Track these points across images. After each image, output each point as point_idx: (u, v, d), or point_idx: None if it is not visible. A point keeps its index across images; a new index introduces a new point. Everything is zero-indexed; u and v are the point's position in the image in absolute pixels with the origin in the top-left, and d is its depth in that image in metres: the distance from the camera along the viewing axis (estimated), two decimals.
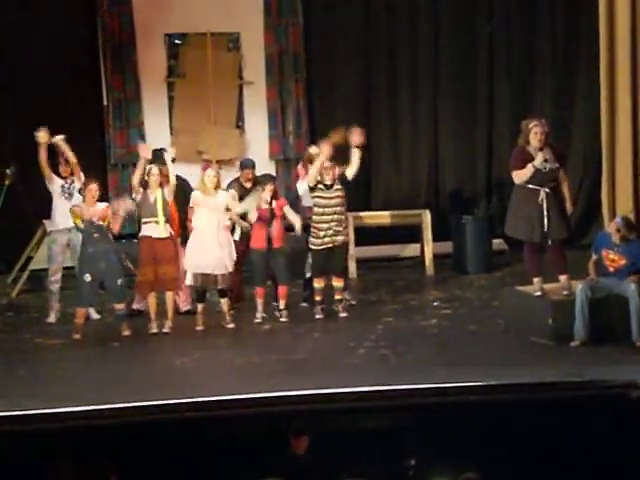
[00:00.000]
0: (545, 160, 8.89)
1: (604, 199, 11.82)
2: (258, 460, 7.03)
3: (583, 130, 12.81)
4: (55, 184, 9.96)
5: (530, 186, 8.94)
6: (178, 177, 10.17)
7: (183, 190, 9.97)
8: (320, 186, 9.68)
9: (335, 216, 9.69)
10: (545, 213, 8.87)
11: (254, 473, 6.82)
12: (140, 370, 8.51)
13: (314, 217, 9.72)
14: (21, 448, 7.05)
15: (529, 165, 8.89)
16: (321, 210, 9.68)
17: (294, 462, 7.09)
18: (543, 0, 12.94)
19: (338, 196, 9.71)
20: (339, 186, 9.72)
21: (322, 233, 9.67)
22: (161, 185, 9.53)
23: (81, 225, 9.24)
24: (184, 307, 10.08)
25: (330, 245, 9.69)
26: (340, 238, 9.74)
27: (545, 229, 8.89)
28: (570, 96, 12.92)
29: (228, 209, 9.54)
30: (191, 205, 9.58)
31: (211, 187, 9.47)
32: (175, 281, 9.52)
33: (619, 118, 11.63)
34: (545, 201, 8.88)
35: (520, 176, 9.01)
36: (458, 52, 12.90)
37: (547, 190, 8.89)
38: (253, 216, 9.59)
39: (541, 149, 8.89)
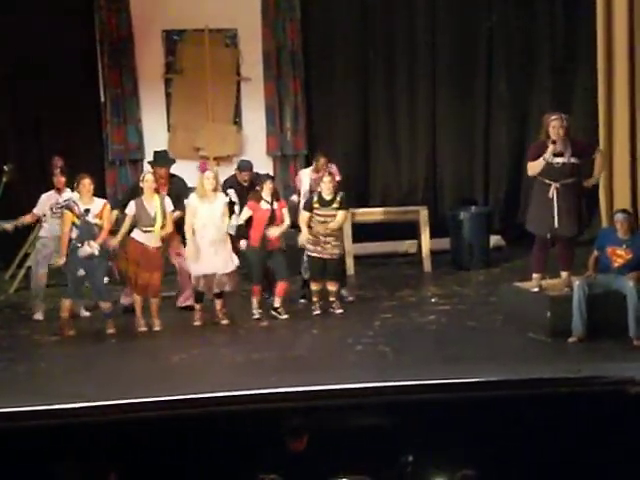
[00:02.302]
0: (557, 154, 8.84)
1: (602, 196, 11.83)
2: (256, 457, 7.03)
3: (581, 127, 12.79)
4: (46, 207, 9.92)
5: (543, 180, 8.92)
6: (177, 176, 10.19)
7: (178, 188, 9.96)
8: (316, 204, 9.69)
9: (330, 232, 9.69)
10: (556, 209, 8.85)
11: (252, 470, 6.82)
12: (138, 367, 8.51)
13: (311, 225, 9.73)
14: (19, 445, 7.04)
15: (541, 158, 8.87)
16: (316, 224, 9.69)
17: (292, 459, 7.10)
18: None
19: (335, 215, 9.71)
20: (337, 205, 9.71)
21: (317, 244, 9.70)
22: (157, 191, 9.50)
23: (78, 222, 9.21)
24: (183, 303, 10.08)
25: (325, 257, 9.71)
26: (335, 251, 9.76)
27: (555, 225, 8.87)
28: (568, 93, 12.91)
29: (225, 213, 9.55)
30: (187, 208, 9.57)
31: (210, 190, 9.45)
32: (154, 288, 9.46)
33: (616, 115, 11.65)
34: (555, 196, 8.85)
35: (532, 168, 8.98)
36: (457, 49, 12.90)
37: (558, 185, 8.85)
38: (244, 216, 9.65)
39: (554, 142, 8.84)
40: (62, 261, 9.23)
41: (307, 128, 12.83)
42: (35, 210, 10.00)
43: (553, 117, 8.93)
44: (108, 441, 7.16)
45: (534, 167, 8.95)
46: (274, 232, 9.61)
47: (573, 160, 8.89)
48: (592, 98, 12.08)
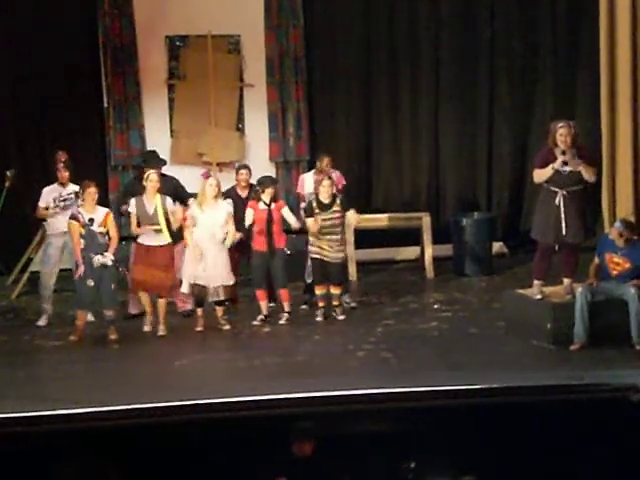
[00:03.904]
0: (564, 162, 8.80)
1: (604, 202, 11.81)
2: (258, 463, 7.03)
3: (583, 132, 12.76)
4: (49, 198, 9.92)
5: (549, 187, 8.90)
6: (168, 176, 10.19)
7: (170, 187, 9.96)
8: (316, 209, 9.69)
9: (330, 236, 9.70)
10: (562, 216, 8.82)
11: (254, 476, 6.82)
12: (140, 372, 8.51)
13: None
14: (21, 450, 7.04)
15: (549, 166, 8.83)
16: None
17: (294, 464, 7.09)
18: (544, 2, 12.93)
19: (336, 217, 9.72)
20: (337, 207, 9.72)
21: (318, 244, 9.70)
22: (159, 191, 9.51)
23: (83, 232, 9.21)
24: (183, 308, 10.07)
25: (326, 259, 9.71)
26: (334, 255, 9.73)
27: (561, 232, 8.84)
28: (571, 99, 12.90)
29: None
30: (188, 217, 9.57)
31: (212, 197, 9.45)
32: (168, 288, 9.49)
33: (619, 122, 11.63)
34: (562, 204, 8.82)
35: (539, 176, 8.94)
36: (459, 54, 12.88)
37: (565, 193, 8.80)
38: (248, 219, 9.64)
39: (563, 152, 8.79)
40: (81, 270, 9.20)
41: (310, 134, 12.82)
42: (40, 203, 9.99)
43: (560, 124, 8.87)
44: (110, 446, 7.16)
45: (541, 175, 8.91)
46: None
47: (580, 168, 8.86)
48: (595, 104, 12.06)
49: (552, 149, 8.88)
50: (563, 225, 8.80)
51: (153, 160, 10.14)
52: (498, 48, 12.94)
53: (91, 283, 9.18)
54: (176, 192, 9.91)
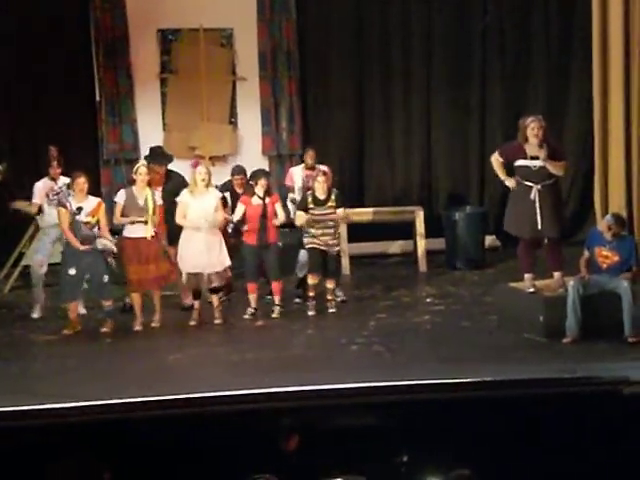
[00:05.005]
0: (534, 157, 8.84)
1: (596, 196, 11.86)
2: (250, 457, 7.03)
3: (576, 128, 12.83)
4: (42, 194, 9.93)
5: (524, 183, 8.93)
6: (175, 172, 10.19)
7: (176, 183, 9.96)
8: (311, 204, 9.70)
9: (327, 230, 9.74)
10: (538, 211, 8.85)
11: (246, 470, 6.81)
12: (133, 366, 8.50)
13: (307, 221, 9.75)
14: (12, 445, 7.02)
15: (501, 175, 9.01)
16: (312, 222, 9.71)
17: (286, 459, 7.09)
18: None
19: (331, 213, 9.75)
20: (332, 202, 9.74)
21: (313, 235, 9.71)
22: (149, 184, 9.50)
23: (70, 221, 9.21)
24: (188, 302, 10.06)
25: (323, 247, 9.72)
26: (334, 248, 9.79)
27: (538, 226, 8.88)
28: (563, 95, 12.92)
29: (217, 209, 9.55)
30: (179, 204, 9.56)
31: (202, 185, 9.46)
32: (160, 279, 9.50)
33: (611, 115, 11.67)
34: (537, 198, 8.86)
35: (495, 165, 9.16)
36: (452, 50, 12.90)
37: (539, 188, 8.86)
38: (238, 213, 9.65)
39: (541, 145, 8.83)
40: (82, 247, 9.16)
41: (302, 128, 12.82)
42: (34, 200, 10.01)
43: (531, 119, 8.94)
44: (103, 441, 7.15)
45: (496, 168, 9.08)
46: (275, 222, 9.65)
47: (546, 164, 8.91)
48: (587, 101, 12.08)
49: (521, 144, 8.93)
50: (538, 219, 8.84)
51: (158, 157, 10.11)
52: (491, 44, 12.96)
53: (72, 272, 9.18)
54: (177, 188, 9.88)
